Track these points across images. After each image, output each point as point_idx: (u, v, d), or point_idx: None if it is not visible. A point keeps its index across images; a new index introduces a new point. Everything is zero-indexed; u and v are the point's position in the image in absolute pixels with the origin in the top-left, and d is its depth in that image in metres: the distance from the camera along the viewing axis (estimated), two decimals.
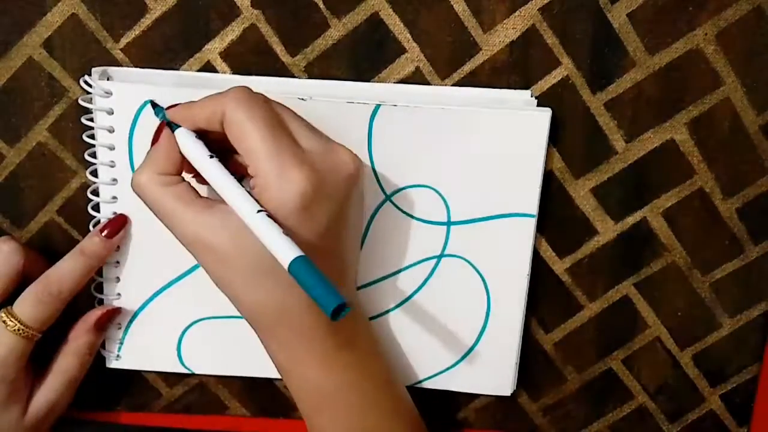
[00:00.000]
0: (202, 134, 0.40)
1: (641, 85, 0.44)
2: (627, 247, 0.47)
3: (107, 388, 0.50)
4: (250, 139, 0.37)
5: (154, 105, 0.42)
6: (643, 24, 0.43)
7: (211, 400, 0.51)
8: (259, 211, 0.36)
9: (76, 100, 0.44)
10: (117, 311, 0.46)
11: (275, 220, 0.36)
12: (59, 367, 0.45)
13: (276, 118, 0.38)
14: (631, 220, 0.47)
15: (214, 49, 0.44)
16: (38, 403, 0.44)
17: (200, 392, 0.50)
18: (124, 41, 0.44)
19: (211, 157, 0.38)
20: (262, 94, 0.40)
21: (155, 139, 0.40)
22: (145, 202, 0.39)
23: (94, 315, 0.45)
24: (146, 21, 0.43)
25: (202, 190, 0.41)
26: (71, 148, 0.45)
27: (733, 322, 0.49)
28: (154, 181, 0.38)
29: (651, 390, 0.51)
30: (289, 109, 0.40)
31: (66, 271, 0.43)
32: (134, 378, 0.50)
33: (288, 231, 0.36)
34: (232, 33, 0.44)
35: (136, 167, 0.44)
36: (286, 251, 0.35)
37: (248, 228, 0.36)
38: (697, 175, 0.46)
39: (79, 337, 0.45)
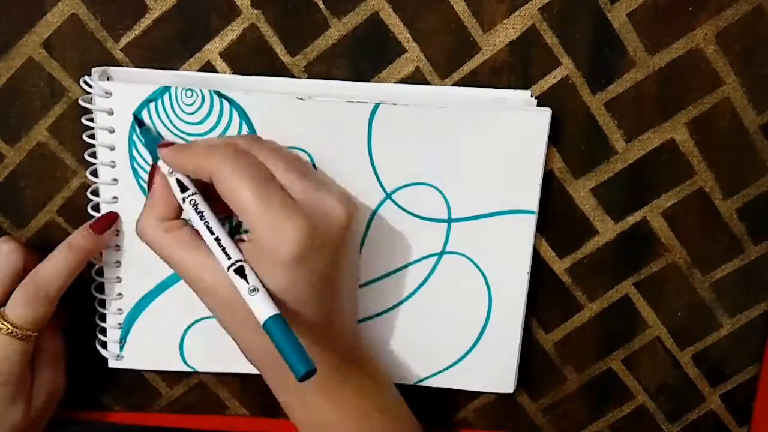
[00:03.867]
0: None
1: (641, 85, 0.44)
2: (627, 247, 0.47)
3: (107, 388, 0.50)
4: (241, 195, 0.37)
5: (141, 123, 0.42)
6: (643, 24, 0.43)
7: (211, 400, 0.51)
8: (237, 262, 0.36)
9: (76, 100, 0.44)
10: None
11: (258, 274, 0.37)
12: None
13: (264, 171, 0.38)
14: (631, 220, 0.47)
15: (214, 49, 0.44)
16: (37, 391, 0.44)
17: (200, 392, 0.50)
18: (124, 41, 0.44)
19: (193, 199, 0.39)
20: (253, 140, 0.40)
21: (150, 182, 0.41)
22: (150, 247, 0.40)
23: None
24: (146, 21, 0.43)
25: None
26: (71, 148, 0.45)
27: (733, 322, 0.49)
28: (155, 228, 0.39)
29: (651, 390, 0.51)
30: (279, 154, 0.40)
31: (53, 268, 0.43)
32: (134, 378, 0.50)
33: (285, 282, 0.37)
34: (232, 33, 0.44)
35: (136, 167, 0.44)
36: (262, 308, 0.35)
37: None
38: (697, 175, 0.46)
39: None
